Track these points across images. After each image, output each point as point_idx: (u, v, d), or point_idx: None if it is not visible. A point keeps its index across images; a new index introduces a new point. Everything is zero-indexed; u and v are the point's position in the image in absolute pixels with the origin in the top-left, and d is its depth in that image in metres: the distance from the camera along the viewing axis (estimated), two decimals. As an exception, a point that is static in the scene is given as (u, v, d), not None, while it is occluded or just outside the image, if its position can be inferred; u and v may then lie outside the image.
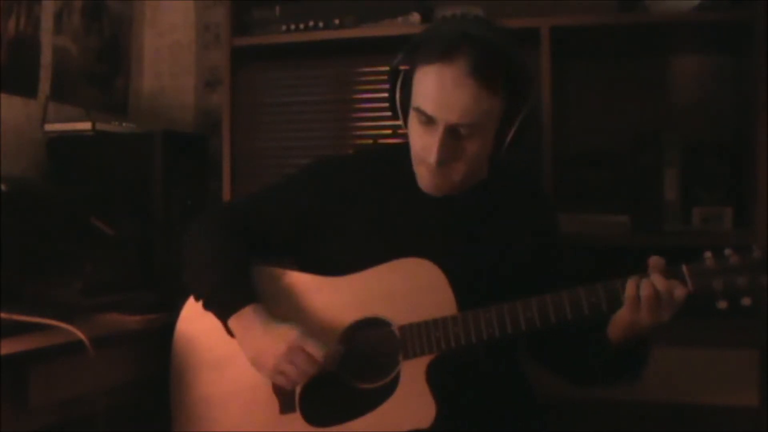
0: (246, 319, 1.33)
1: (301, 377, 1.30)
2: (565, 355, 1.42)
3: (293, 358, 1.28)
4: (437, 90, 1.28)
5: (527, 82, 1.33)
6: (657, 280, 1.21)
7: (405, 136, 1.41)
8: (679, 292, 1.21)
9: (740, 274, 1.20)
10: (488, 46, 1.28)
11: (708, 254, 1.23)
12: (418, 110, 1.31)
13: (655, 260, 1.24)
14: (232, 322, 1.33)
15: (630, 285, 1.22)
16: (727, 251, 1.22)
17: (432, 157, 1.30)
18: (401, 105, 1.38)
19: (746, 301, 1.20)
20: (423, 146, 1.32)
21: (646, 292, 1.20)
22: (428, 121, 1.30)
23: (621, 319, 1.26)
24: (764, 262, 1.20)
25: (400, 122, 1.40)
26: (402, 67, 1.37)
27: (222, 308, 1.35)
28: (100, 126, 2.00)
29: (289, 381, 1.32)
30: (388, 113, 1.42)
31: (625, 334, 1.27)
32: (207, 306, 1.38)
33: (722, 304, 1.21)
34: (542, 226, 1.47)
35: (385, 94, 1.41)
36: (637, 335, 1.27)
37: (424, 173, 1.36)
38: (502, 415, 1.39)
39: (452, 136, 1.29)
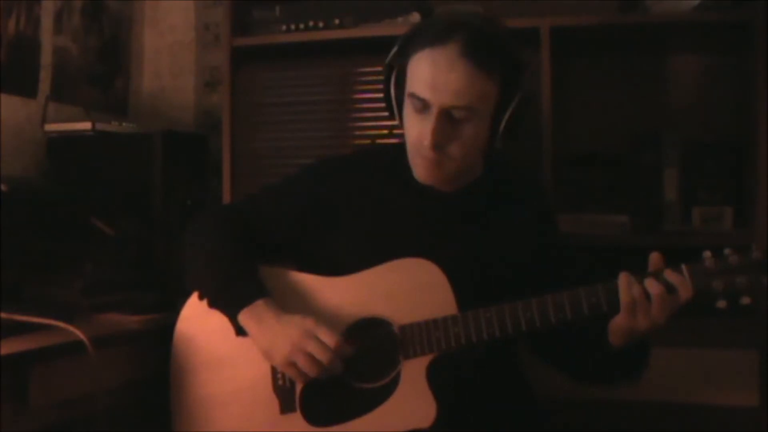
0: (258, 311, 1.32)
1: (313, 367, 1.29)
2: (565, 353, 1.43)
3: (307, 347, 1.28)
4: (431, 73, 1.28)
5: (522, 68, 1.33)
6: (650, 285, 1.21)
7: (402, 136, 1.41)
8: (676, 296, 1.21)
9: (740, 273, 1.20)
10: (481, 29, 1.30)
11: (707, 254, 1.23)
12: (413, 96, 1.31)
13: (654, 259, 1.24)
14: (243, 315, 1.33)
15: (624, 291, 1.22)
16: (727, 251, 1.22)
17: (427, 140, 1.29)
18: (396, 101, 1.38)
19: (746, 301, 1.21)
20: (418, 134, 1.32)
21: (637, 295, 1.21)
22: (423, 107, 1.30)
23: (617, 325, 1.26)
24: (764, 262, 1.20)
25: (397, 122, 1.40)
26: (395, 62, 1.37)
27: (232, 303, 1.34)
28: (100, 126, 2.00)
29: (300, 371, 1.30)
30: (387, 112, 1.42)
31: (623, 339, 1.27)
32: (214, 303, 1.38)
33: (722, 304, 1.22)
34: (541, 223, 1.47)
35: (385, 94, 1.41)
36: (636, 338, 1.27)
37: (420, 162, 1.36)
38: (502, 414, 1.39)
39: (447, 119, 1.29)
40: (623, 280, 1.23)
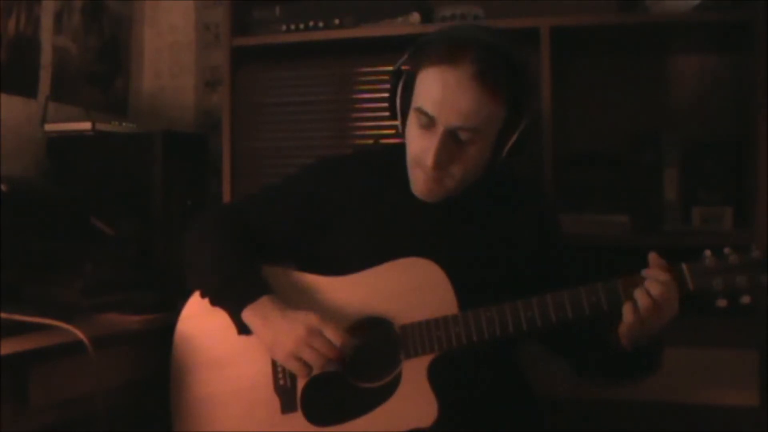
0: (263, 308, 1.32)
1: (318, 361, 1.29)
2: (574, 352, 1.43)
3: (312, 342, 1.28)
4: (440, 91, 1.27)
5: (531, 93, 1.33)
6: (652, 287, 1.21)
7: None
8: (674, 294, 1.21)
9: (740, 273, 1.21)
10: (495, 52, 1.28)
11: (708, 253, 1.23)
12: (419, 110, 1.30)
13: (654, 260, 1.24)
14: (247, 313, 1.32)
15: (627, 307, 1.22)
16: (727, 250, 1.23)
17: (429, 159, 1.29)
18: (401, 107, 1.37)
19: (746, 300, 1.21)
20: (421, 149, 1.32)
21: (642, 302, 1.21)
22: (428, 123, 1.30)
23: (626, 333, 1.26)
24: (763, 261, 1.21)
25: (398, 122, 1.40)
26: (404, 68, 1.37)
27: (236, 300, 1.34)
28: (100, 126, 2.00)
29: (305, 366, 1.30)
30: (388, 113, 1.42)
31: (635, 343, 1.28)
32: (217, 300, 1.37)
33: (722, 303, 1.22)
34: (540, 224, 1.47)
35: (386, 94, 1.40)
36: (646, 339, 1.27)
37: (419, 177, 1.35)
38: (502, 414, 1.39)
39: (451, 139, 1.29)
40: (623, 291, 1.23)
